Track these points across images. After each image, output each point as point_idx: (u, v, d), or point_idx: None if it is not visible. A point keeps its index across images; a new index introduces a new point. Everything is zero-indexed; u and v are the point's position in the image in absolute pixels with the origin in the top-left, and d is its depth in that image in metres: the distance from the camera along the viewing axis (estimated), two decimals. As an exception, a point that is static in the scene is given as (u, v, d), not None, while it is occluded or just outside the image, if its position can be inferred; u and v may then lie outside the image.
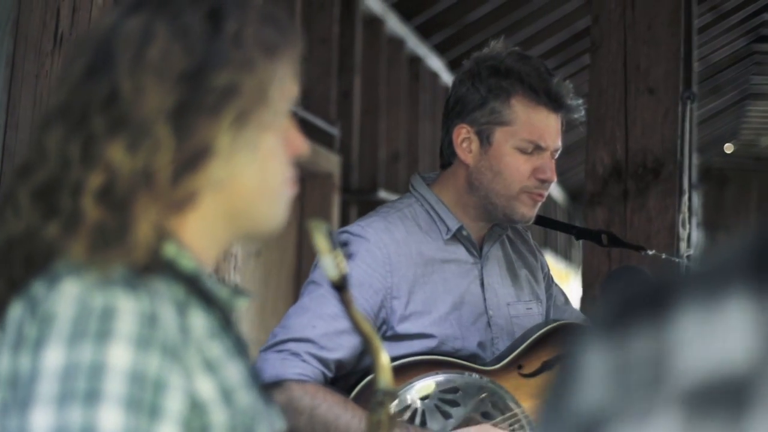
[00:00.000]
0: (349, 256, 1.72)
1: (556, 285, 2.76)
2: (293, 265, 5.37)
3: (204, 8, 1.29)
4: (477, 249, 2.51)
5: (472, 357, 2.45)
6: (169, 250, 1.27)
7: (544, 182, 2.42)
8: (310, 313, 2.31)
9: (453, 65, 7.57)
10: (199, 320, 1.25)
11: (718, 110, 10.91)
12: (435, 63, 7.32)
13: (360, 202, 5.93)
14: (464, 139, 2.44)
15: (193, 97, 1.25)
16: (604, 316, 0.66)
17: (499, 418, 2.39)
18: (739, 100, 11.18)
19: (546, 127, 2.41)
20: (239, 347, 1.33)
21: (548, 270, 2.73)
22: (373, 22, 6.21)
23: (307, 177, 5.26)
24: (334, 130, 5.56)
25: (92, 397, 1.13)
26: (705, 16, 6.84)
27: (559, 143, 2.45)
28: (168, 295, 1.23)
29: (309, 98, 5.32)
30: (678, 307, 0.62)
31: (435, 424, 2.33)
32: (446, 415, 2.34)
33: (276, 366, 2.26)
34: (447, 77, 7.59)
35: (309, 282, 2.37)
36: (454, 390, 2.37)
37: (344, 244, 1.71)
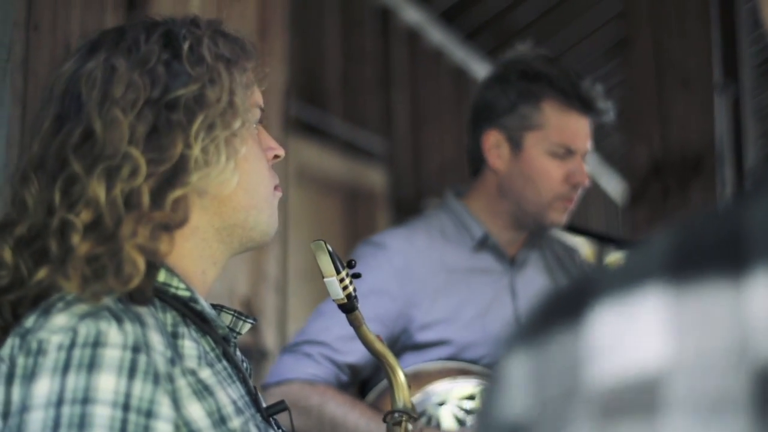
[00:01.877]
0: (356, 276, 1.70)
1: None
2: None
3: (157, 35, 1.33)
4: (507, 257, 2.49)
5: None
6: (161, 275, 1.30)
7: (577, 186, 2.40)
8: (325, 317, 2.33)
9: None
10: (190, 346, 1.27)
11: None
12: (482, 71, 7.27)
13: (408, 215, 5.90)
14: (494, 144, 2.43)
15: (163, 118, 1.27)
16: (527, 321, 0.65)
17: None
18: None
19: (577, 130, 2.39)
20: (236, 372, 1.34)
21: None
22: (415, 34, 6.18)
23: (355, 194, 5.24)
24: (380, 146, 5.54)
25: (82, 426, 1.15)
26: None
27: (588, 147, 2.43)
28: (157, 324, 1.23)
29: (353, 114, 5.31)
30: (593, 310, 0.61)
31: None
32: (461, 423, 2.32)
33: (289, 366, 2.28)
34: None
35: None
36: (471, 397, 2.34)
37: (350, 264, 1.69)
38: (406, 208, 5.83)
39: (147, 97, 1.28)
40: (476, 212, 2.47)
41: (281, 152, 1.41)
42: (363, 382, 2.39)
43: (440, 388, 2.31)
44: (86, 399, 1.16)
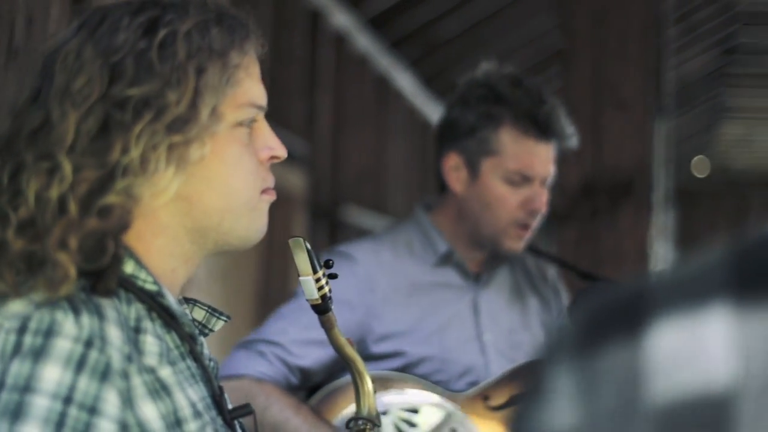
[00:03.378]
0: (332, 276, 1.67)
1: None
2: (257, 288, 5.29)
3: (142, 20, 1.26)
4: (471, 274, 2.48)
5: (449, 380, 2.41)
6: (128, 267, 1.25)
7: (534, 213, 2.38)
8: (285, 320, 2.33)
9: (427, 83, 7.53)
10: (153, 343, 1.23)
11: (690, 129, 10.92)
12: (405, 80, 7.27)
13: (326, 220, 5.86)
14: (454, 167, 2.41)
15: (112, 116, 1.22)
16: (573, 332, 0.62)
17: None
18: (710, 119, 11.21)
19: (535, 157, 2.36)
20: (201, 372, 1.30)
21: (565, 310, 2.67)
22: (342, 39, 6.15)
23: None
24: (301, 148, 5.50)
25: (18, 414, 1.12)
26: (674, 29, 6.84)
27: (549, 172, 2.40)
28: (118, 317, 1.20)
29: (275, 116, 5.25)
30: (653, 325, 0.59)
31: None
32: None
33: (242, 361, 2.27)
34: (416, 94, 7.54)
35: (294, 292, 2.41)
36: (414, 410, 2.32)
37: (327, 264, 1.66)
38: (322, 214, 5.80)
39: (103, 92, 1.23)
40: (441, 228, 2.46)
41: (280, 153, 1.34)
42: (313, 388, 2.37)
43: (387, 398, 2.29)
44: (27, 387, 1.13)
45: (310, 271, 1.54)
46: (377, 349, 2.35)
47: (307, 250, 1.54)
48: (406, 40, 6.82)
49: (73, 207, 1.21)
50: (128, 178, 1.22)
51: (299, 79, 5.47)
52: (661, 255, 3.95)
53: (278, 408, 2.21)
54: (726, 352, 0.57)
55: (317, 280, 1.57)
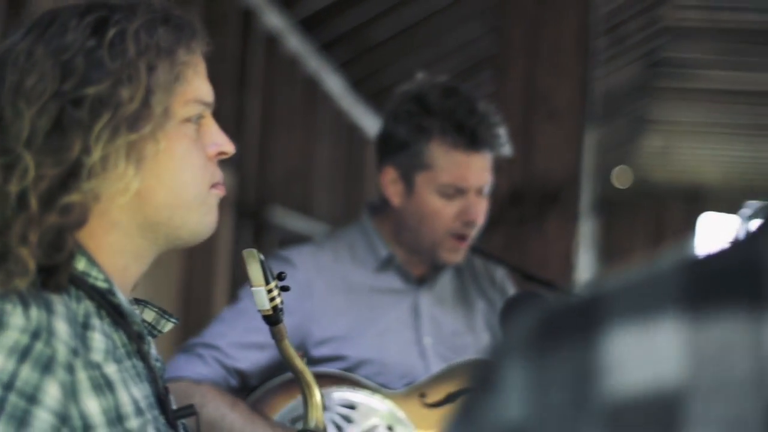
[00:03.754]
0: (284, 288, 1.68)
1: None
2: (179, 286, 5.26)
3: (90, 20, 1.27)
4: (413, 278, 2.50)
5: (390, 383, 2.42)
6: (80, 264, 1.26)
7: (469, 224, 2.40)
8: (224, 324, 2.35)
9: (355, 86, 7.55)
10: (100, 340, 1.24)
11: (612, 140, 11.07)
12: (333, 83, 7.28)
13: (253, 220, 5.85)
14: (391, 181, 2.42)
15: (67, 113, 1.23)
16: (525, 333, 0.64)
17: None
18: (632, 131, 11.37)
19: (466, 169, 2.36)
20: (147, 371, 1.31)
21: None
22: (273, 40, 6.14)
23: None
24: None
25: None
26: (602, 41, 6.93)
27: (484, 181, 2.42)
28: (67, 313, 1.21)
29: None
30: (608, 327, 0.61)
31: None
32: (339, 429, 2.32)
33: (181, 365, 2.29)
34: (344, 97, 7.56)
35: (236, 296, 2.42)
36: (352, 407, 2.34)
37: (280, 276, 1.67)
38: (248, 214, 5.78)
39: (55, 90, 1.24)
40: (383, 233, 2.48)
41: (228, 149, 1.36)
42: (253, 389, 2.38)
43: (326, 393, 2.32)
44: None
45: (263, 282, 1.56)
46: (317, 352, 2.37)
47: (260, 261, 1.55)
48: (337, 42, 6.83)
49: (33, 203, 1.21)
50: (92, 178, 1.23)
51: (229, 78, 5.45)
52: (584, 263, 4.01)
53: (214, 406, 2.22)
54: (677, 355, 0.59)
55: (269, 291, 1.58)
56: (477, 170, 2.38)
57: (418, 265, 2.51)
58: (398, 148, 2.39)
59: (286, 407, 2.31)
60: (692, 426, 0.58)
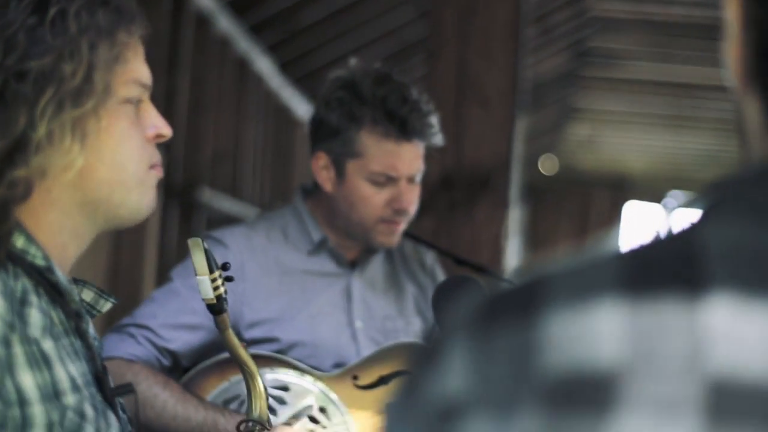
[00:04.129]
0: (228, 279, 1.69)
1: None
2: (108, 265, 5.22)
3: (31, 0, 1.26)
4: (345, 262, 2.52)
5: (322, 366, 2.45)
6: (19, 241, 1.26)
7: (399, 212, 2.42)
8: (155, 304, 2.36)
9: (283, 68, 7.52)
10: (37, 316, 1.24)
11: (540, 128, 11.18)
12: (264, 65, 7.26)
13: (181, 201, 5.82)
14: (322, 167, 2.44)
15: (11, 87, 1.23)
16: (470, 314, 0.67)
17: (325, 425, 2.38)
18: (559, 119, 11.49)
19: (397, 158, 2.39)
20: (85, 349, 1.31)
21: None
22: (204, 21, 6.11)
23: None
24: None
25: None
26: (532, 30, 6.99)
27: (415, 169, 2.44)
28: (4, 289, 1.21)
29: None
30: (548, 308, 0.64)
31: None
32: (272, 412, 2.34)
33: (113, 344, 2.29)
34: (275, 79, 7.54)
35: (167, 277, 2.44)
36: (285, 388, 2.37)
37: (225, 266, 1.68)
38: (176, 194, 5.76)
39: None
40: (316, 216, 2.50)
41: (165, 132, 1.37)
42: (185, 370, 2.38)
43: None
44: None
45: (207, 271, 1.57)
46: (249, 334, 2.39)
47: (205, 251, 1.56)
48: (267, 24, 6.81)
49: None
50: (38, 152, 1.23)
51: (159, 58, 5.42)
52: (512, 249, 4.06)
53: (146, 385, 2.24)
54: (614, 336, 0.62)
55: (213, 281, 1.59)
56: (408, 159, 2.40)
57: (350, 249, 2.53)
58: (330, 135, 2.41)
59: (217, 389, 2.33)
60: (625, 403, 0.60)
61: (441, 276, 2.71)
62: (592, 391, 0.61)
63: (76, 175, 1.28)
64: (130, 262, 5.15)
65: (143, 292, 4.96)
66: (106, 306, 1.39)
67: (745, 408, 0.60)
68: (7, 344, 1.19)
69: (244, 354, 1.74)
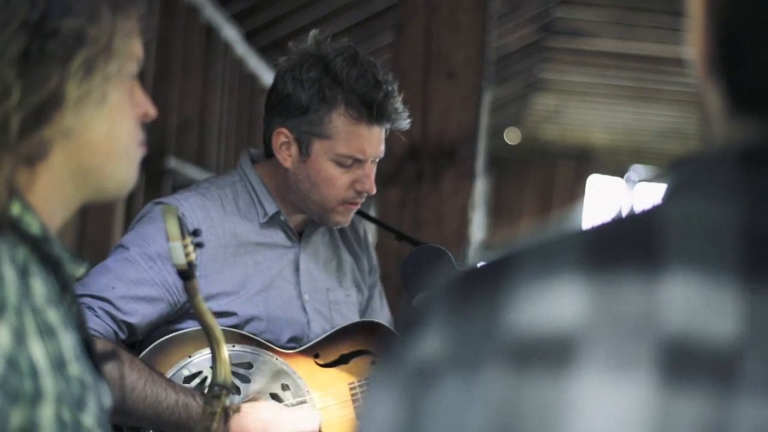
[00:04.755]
0: (198, 245, 1.70)
1: (380, 287, 2.74)
2: (75, 232, 5.23)
3: None
4: (295, 234, 2.50)
5: (278, 339, 2.46)
6: (15, 209, 1.24)
7: (362, 193, 2.40)
8: (111, 274, 2.30)
9: (248, 36, 7.52)
10: (40, 285, 1.23)
11: (505, 99, 11.22)
12: (230, 33, 7.26)
13: (148, 169, 5.83)
14: (283, 143, 2.39)
15: (38, 45, 1.22)
16: (448, 285, 0.72)
17: (287, 403, 2.41)
18: (524, 91, 11.53)
19: (367, 141, 2.36)
20: (74, 315, 1.32)
21: (376, 265, 2.72)
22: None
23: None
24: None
25: None
26: (497, 2, 7.02)
27: (381, 151, 2.41)
28: (12, 257, 1.20)
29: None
30: (515, 279, 0.69)
31: None
32: (236, 389, 2.35)
33: None
34: (241, 48, 7.53)
35: (117, 245, 2.37)
36: (248, 366, 2.38)
37: (195, 233, 1.70)
38: (143, 163, 5.74)
39: (24, 18, 1.22)
40: (270, 187, 2.46)
41: (152, 112, 1.38)
42: (139, 342, 2.37)
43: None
44: None
45: (179, 236, 1.58)
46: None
47: (178, 218, 1.58)
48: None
49: (14, 128, 1.20)
50: (69, 112, 1.24)
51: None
52: (476, 220, 4.11)
53: (112, 365, 2.19)
54: (575, 300, 0.67)
55: (185, 246, 1.60)
56: (375, 143, 2.38)
57: (298, 221, 2.51)
58: (295, 112, 2.36)
59: (178, 364, 2.33)
60: (584, 361, 0.65)
61: (371, 245, 2.72)
62: (553, 350, 0.66)
63: (75, 141, 1.28)
64: (97, 229, 5.16)
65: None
66: (80, 271, 1.39)
67: (695, 368, 0.65)
68: (20, 315, 1.18)
69: (211, 320, 1.76)
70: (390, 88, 2.37)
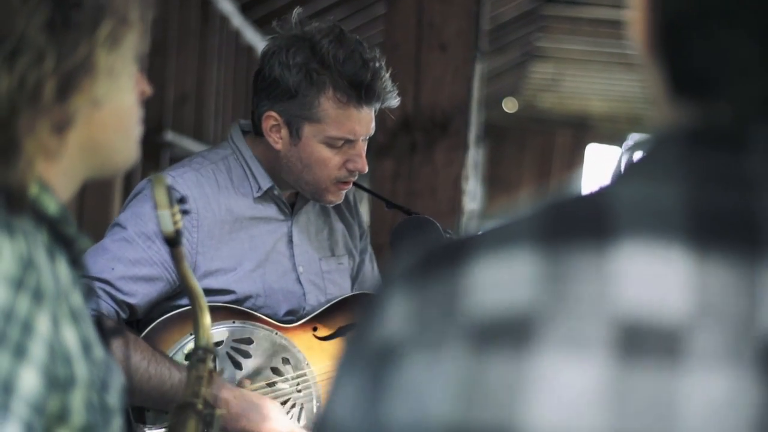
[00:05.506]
0: (184, 212, 1.73)
1: (371, 251, 2.77)
2: (74, 206, 5.26)
3: None
4: (288, 207, 2.52)
5: (276, 314, 2.48)
6: (33, 189, 1.22)
7: (353, 172, 2.42)
8: (109, 254, 2.32)
9: (244, 8, 7.52)
10: (64, 268, 1.23)
11: (502, 69, 11.22)
12: (226, 6, 7.26)
13: (146, 143, 5.84)
14: (273, 126, 2.40)
15: (64, 13, 1.22)
16: (409, 264, 0.75)
17: (288, 377, 2.44)
18: (521, 60, 11.52)
19: (357, 122, 2.37)
20: (85, 296, 1.31)
21: (366, 230, 2.74)
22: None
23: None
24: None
25: None
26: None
27: (372, 129, 2.42)
28: (41, 241, 1.20)
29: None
30: (474, 257, 0.72)
31: (225, 372, 2.37)
32: (237, 365, 2.39)
33: None
34: (237, 20, 7.53)
35: (114, 224, 2.38)
36: (248, 341, 2.41)
37: (181, 200, 1.73)
38: (143, 138, 5.77)
39: None
40: (263, 162, 2.47)
41: (148, 90, 1.38)
42: (138, 322, 2.39)
43: (219, 327, 2.37)
44: None
45: (167, 205, 1.62)
46: (205, 284, 2.35)
47: (167, 187, 1.61)
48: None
49: (48, 93, 1.19)
50: (102, 80, 1.23)
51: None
52: (473, 189, 4.14)
53: (115, 345, 2.17)
54: (530, 279, 0.70)
55: (173, 214, 1.64)
56: (365, 123, 2.39)
57: (289, 194, 2.53)
58: (285, 95, 2.37)
59: (178, 342, 2.35)
60: (541, 340, 0.68)
61: (363, 213, 2.74)
62: (511, 329, 0.69)
63: (97, 114, 1.28)
64: (96, 204, 5.18)
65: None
66: (88, 245, 1.39)
67: (648, 343, 0.68)
68: (56, 300, 1.17)
69: (197, 286, 1.79)
70: (377, 66, 2.37)
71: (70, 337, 1.19)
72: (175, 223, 1.64)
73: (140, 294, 2.31)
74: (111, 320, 2.26)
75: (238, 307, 2.40)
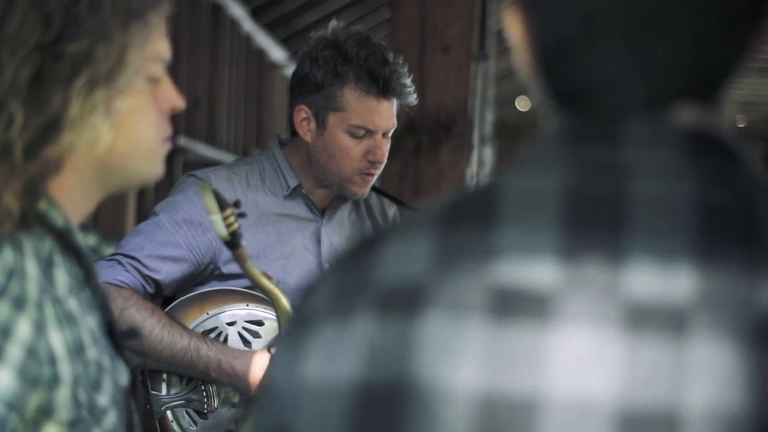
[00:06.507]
0: (241, 215, 1.80)
1: None
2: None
3: None
4: (317, 208, 2.72)
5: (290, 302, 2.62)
6: (42, 205, 1.30)
7: (375, 163, 2.64)
8: (141, 236, 2.57)
9: (255, 12, 7.57)
10: (63, 276, 1.30)
11: (514, 68, 11.22)
12: (236, 10, 7.30)
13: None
14: (303, 119, 2.64)
15: (48, 67, 1.26)
16: (342, 253, 0.89)
17: None
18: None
19: (377, 113, 2.60)
20: (98, 299, 1.37)
21: None
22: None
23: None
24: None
25: None
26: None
27: (391, 125, 2.66)
28: (35, 251, 1.27)
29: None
30: (383, 240, 0.85)
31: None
32: (247, 344, 2.57)
33: (103, 271, 2.46)
34: (248, 25, 7.58)
35: (152, 212, 2.63)
36: (259, 323, 2.58)
37: (236, 204, 1.78)
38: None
39: (38, 41, 1.26)
40: (293, 163, 2.69)
41: (179, 104, 1.40)
42: (167, 299, 2.61)
43: (234, 309, 2.57)
44: None
45: (218, 210, 1.66)
46: (226, 269, 2.58)
47: (214, 192, 1.65)
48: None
49: (18, 152, 1.25)
50: (72, 130, 1.27)
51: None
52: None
53: (135, 309, 2.47)
54: (425, 255, 0.82)
55: (225, 218, 1.68)
56: (385, 115, 2.61)
57: (322, 198, 2.72)
58: (313, 89, 2.61)
59: (196, 320, 2.57)
60: (431, 306, 0.79)
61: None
62: (406, 297, 0.80)
63: (88, 151, 1.32)
64: (111, 208, 5.24)
65: (124, 236, 5.04)
66: (108, 250, 1.45)
67: (520, 308, 0.78)
68: (40, 306, 1.24)
69: (266, 282, 1.86)
70: (397, 66, 2.61)
71: (56, 340, 1.26)
72: (228, 226, 1.69)
73: (165, 271, 2.55)
74: (132, 291, 2.49)
75: (253, 292, 2.56)
